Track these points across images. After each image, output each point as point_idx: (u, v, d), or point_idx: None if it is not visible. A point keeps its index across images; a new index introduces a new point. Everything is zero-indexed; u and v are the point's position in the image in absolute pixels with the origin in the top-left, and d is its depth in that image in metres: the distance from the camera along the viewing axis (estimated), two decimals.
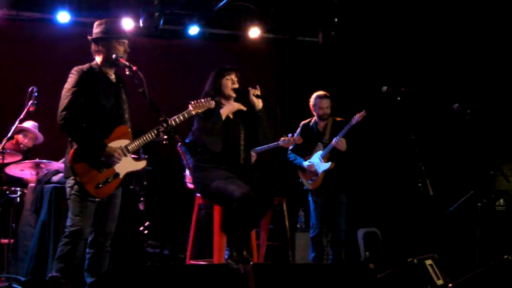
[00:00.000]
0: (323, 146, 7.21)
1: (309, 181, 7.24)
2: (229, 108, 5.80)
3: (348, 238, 7.36)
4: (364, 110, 7.08)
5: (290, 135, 6.93)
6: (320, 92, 7.32)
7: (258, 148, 6.63)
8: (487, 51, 8.77)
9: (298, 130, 7.40)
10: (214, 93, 5.82)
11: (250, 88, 5.83)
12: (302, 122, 7.45)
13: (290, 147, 7.28)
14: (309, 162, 7.22)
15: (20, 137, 7.37)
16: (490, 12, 8.58)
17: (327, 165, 7.14)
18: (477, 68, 8.81)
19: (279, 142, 6.76)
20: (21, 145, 7.38)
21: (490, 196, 7.31)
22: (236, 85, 5.87)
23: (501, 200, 7.62)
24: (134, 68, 5.00)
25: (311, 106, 7.35)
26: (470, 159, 8.43)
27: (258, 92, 5.83)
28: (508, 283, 4.98)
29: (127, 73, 5.05)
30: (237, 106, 5.87)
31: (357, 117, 7.08)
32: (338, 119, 7.33)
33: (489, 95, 8.59)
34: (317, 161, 7.19)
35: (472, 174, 8.03)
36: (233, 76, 5.87)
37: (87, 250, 5.11)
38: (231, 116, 5.86)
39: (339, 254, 7.20)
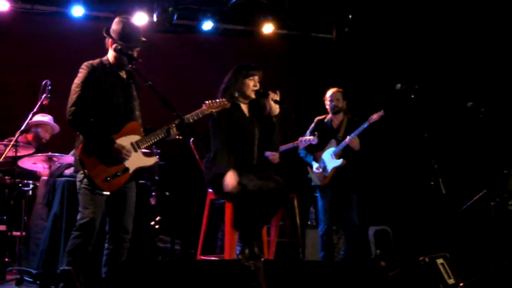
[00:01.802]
0: (337, 143, 7.19)
1: (318, 178, 7.22)
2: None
3: (359, 235, 7.33)
4: (382, 110, 7.03)
5: (307, 134, 6.97)
6: (334, 88, 7.33)
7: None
8: (501, 50, 8.71)
9: (312, 125, 7.37)
10: (234, 90, 5.82)
11: (270, 92, 5.81)
12: (317, 118, 7.43)
13: None
14: (318, 165, 7.19)
15: (40, 131, 7.42)
16: (506, 10, 8.52)
17: (338, 162, 7.11)
18: (492, 67, 8.76)
19: (298, 142, 6.80)
20: (43, 140, 7.45)
21: (503, 195, 7.27)
22: (258, 87, 5.86)
23: None
24: (139, 60, 5.06)
25: (325, 101, 7.34)
26: (484, 158, 8.39)
27: (277, 98, 5.81)
28: None
29: (130, 66, 5.07)
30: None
31: (374, 116, 7.04)
32: (354, 118, 7.30)
33: (503, 93, 8.53)
34: (329, 157, 7.17)
35: (485, 173, 7.99)
36: (256, 77, 5.86)
37: (106, 246, 5.14)
38: (247, 115, 5.87)
39: (352, 250, 7.17)
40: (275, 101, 5.80)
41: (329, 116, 7.36)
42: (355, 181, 7.22)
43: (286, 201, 5.98)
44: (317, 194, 7.30)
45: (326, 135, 7.22)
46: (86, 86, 4.96)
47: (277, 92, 5.83)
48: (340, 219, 7.27)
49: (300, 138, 6.99)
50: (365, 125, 7.03)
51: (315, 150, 7.26)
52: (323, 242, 7.21)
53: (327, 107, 7.33)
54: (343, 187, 7.16)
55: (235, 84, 5.85)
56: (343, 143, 7.10)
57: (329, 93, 7.32)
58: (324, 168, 7.16)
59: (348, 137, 7.04)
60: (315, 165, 7.21)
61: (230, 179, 5.49)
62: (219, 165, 5.62)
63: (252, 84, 5.83)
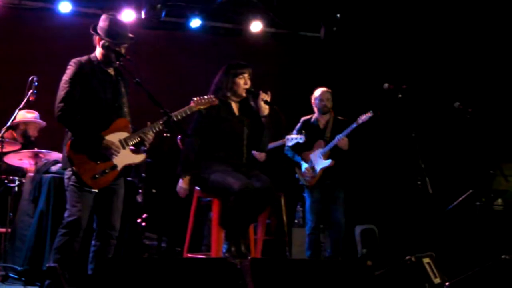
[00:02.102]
0: (324, 144, 7.18)
1: (306, 178, 7.22)
2: None
3: (345, 234, 7.34)
4: (371, 111, 7.04)
5: (294, 132, 6.98)
6: (322, 88, 7.32)
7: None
8: (488, 50, 8.75)
9: (298, 125, 7.37)
10: (226, 90, 5.82)
11: (261, 92, 5.81)
12: (303, 118, 7.43)
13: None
14: (307, 165, 7.19)
15: (28, 130, 7.38)
16: (493, 11, 8.57)
17: (327, 162, 7.11)
18: (479, 67, 8.80)
19: (285, 140, 6.81)
20: (32, 138, 7.40)
21: (489, 196, 7.30)
22: (248, 85, 5.85)
23: (499, 200, 7.61)
24: (127, 57, 5.06)
25: (312, 101, 7.34)
26: (470, 158, 8.42)
27: (267, 98, 5.81)
28: (505, 283, 4.98)
29: (118, 63, 5.07)
30: None
31: (363, 117, 7.04)
32: (340, 118, 7.30)
33: (490, 94, 8.58)
34: (317, 158, 7.17)
35: (472, 173, 8.03)
36: (246, 75, 5.85)
37: (93, 242, 5.14)
38: (236, 114, 5.86)
39: (338, 249, 7.17)
40: (265, 102, 5.80)
41: (315, 115, 7.36)
42: (342, 180, 7.23)
43: (273, 200, 5.96)
44: (305, 194, 7.30)
45: (313, 135, 7.22)
46: (74, 83, 4.95)
47: (268, 93, 5.83)
48: (326, 219, 7.28)
49: (287, 136, 6.99)
50: (354, 125, 7.04)
51: (302, 150, 7.25)
52: (310, 241, 7.21)
53: (315, 106, 7.33)
54: (331, 185, 7.17)
55: (226, 84, 5.84)
56: (331, 143, 7.10)
57: (318, 92, 7.30)
58: (313, 169, 7.16)
59: (336, 137, 7.04)
60: (304, 165, 7.21)
61: (183, 187, 5.80)
62: (184, 165, 5.77)
63: (243, 82, 5.83)
